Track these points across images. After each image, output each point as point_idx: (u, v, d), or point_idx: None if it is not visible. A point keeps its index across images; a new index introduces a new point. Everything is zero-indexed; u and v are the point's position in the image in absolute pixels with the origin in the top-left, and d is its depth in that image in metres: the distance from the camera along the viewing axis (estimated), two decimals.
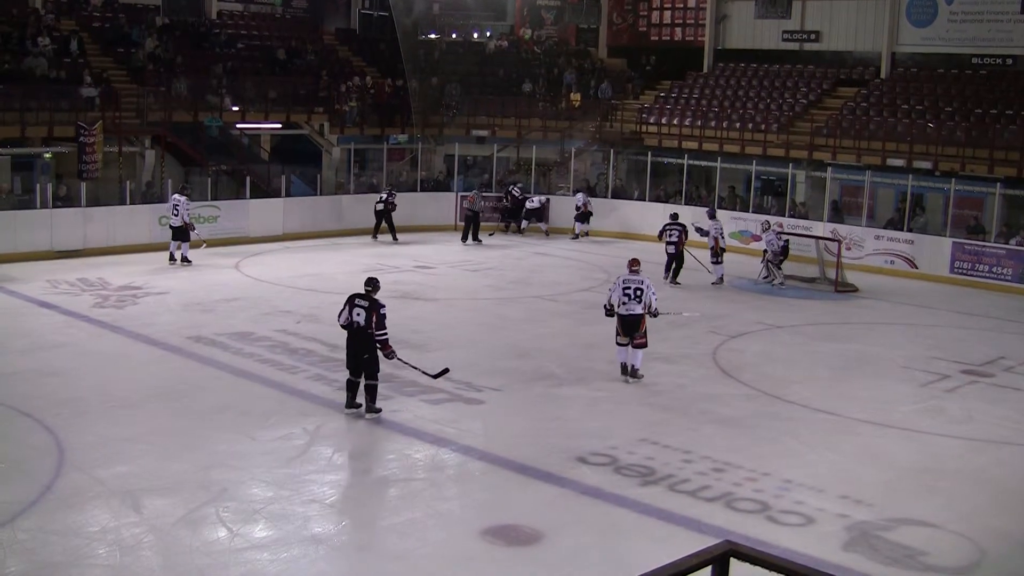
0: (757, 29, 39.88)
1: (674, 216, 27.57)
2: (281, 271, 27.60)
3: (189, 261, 28.18)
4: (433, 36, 43.91)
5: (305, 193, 35.33)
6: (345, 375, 15.95)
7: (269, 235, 32.20)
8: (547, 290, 25.99)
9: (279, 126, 36.80)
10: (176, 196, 28.53)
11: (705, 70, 40.66)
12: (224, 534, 11.76)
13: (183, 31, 38.44)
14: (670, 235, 26.78)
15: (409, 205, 33.90)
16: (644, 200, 34.77)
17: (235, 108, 35.16)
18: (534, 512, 12.54)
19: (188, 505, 12.36)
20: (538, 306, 24.33)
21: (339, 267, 28.30)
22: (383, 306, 15.55)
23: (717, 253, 27.05)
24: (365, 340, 15.42)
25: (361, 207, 34.04)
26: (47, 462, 13.47)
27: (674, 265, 26.80)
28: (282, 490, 12.93)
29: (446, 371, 16.28)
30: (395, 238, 32.77)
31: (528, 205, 34.86)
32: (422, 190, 35.85)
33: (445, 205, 35.81)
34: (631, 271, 18.12)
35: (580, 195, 34.38)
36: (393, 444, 14.70)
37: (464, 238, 32.97)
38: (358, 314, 15.42)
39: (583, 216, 34.30)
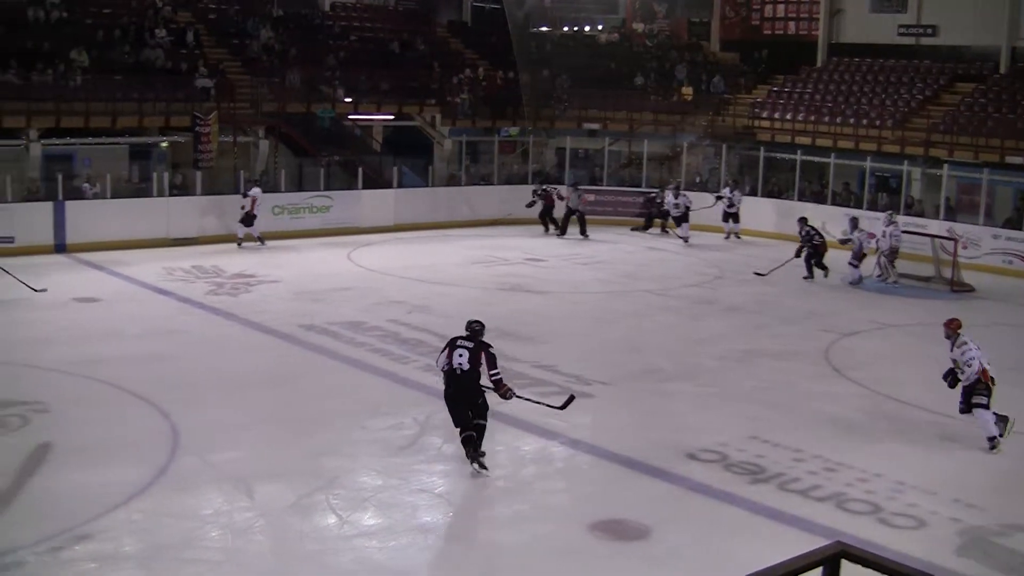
0: (872, 23, 39.26)
1: (803, 220, 26.88)
2: (392, 261, 27.76)
3: (261, 240, 29.06)
4: (545, 29, 43.93)
5: (416, 184, 35.51)
6: None
7: (380, 226, 32.40)
8: (656, 284, 25.84)
9: (391, 118, 37.00)
10: (256, 190, 29.13)
11: (819, 64, 40.09)
12: (334, 521, 11.87)
13: (297, 23, 38.82)
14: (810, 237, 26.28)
15: (522, 198, 33.88)
16: (756, 196, 34.36)
17: (348, 99, 35.41)
18: (642, 507, 12.47)
19: (299, 491, 12.48)
20: (647, 300, 24.20)
21: (449, 258, 28.42)
22: (491, 345, 13.55)
23: (859, 257, 26.42)
24: (470, 385, 13.40)
25: (472, 199, 34.14)
26: (162, 446, 13.69)
27: (813, 262, 26.26)
28: (391, 479, 13.01)
29: (572, 399, 14.48)
30: (560, 232, 32.71)
31: (673, 212, 32.90)
32: (533, 183, 35.79)
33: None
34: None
35: (727, 190, 33.15)
36: (502, 436, 14.70)
37: (562, 231, 32.68)
38: (460, 355, 13.34)
39: (734, 215, 32.97)
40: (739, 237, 32.68)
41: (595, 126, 38.20)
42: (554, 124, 38.49)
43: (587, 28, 44.87)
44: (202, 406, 15.35)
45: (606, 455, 14.19)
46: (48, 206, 28.31)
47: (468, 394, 13.38)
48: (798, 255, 26.35)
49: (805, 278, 26.14)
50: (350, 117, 36.35)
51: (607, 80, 39.54)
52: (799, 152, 34.13)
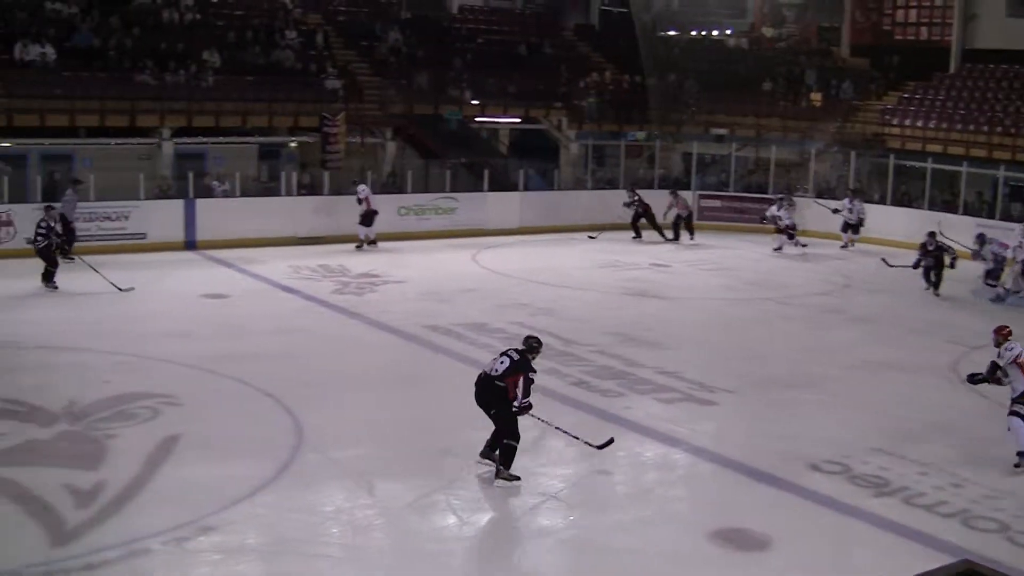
0: (1009, 28, 38.24)
1: (932, 234, 26.08)
2: (517, 264, 27.82)
3: (375, 243, 29.27)
4: (672, 33, 43.68)
5: (542, 188, 35.54)
6: None
7: (506, 228, 32.47)
8: (782, 292, 25.55)
9: (518, 121, 37.07)
10: (362, 187, 29.23)
11: (952, 71, 39.27)
12: (453, 521, 11.91)
13: (425, 25, 39.05)
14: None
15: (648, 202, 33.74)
16: (885, 204, 33.77)
17: (475, 102, 35.55)
18: (763, 517, 12.31)
19: (419, 490, 12.53)
20: (772, 308, 23.94)
21: (575, 262, 28.41)
22: (534, 372, 13.07)
23: (996, 275, 25.58)
24: (490, 389, 13.07)
25: (599, 202, 34.03)
26: (286, 441, 13.85)
27: (932, 275, 25.57)
28: (513, 481, 12.99)
29: (611, 442, 13.79)
30: (666, 238, 32.39)
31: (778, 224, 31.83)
32: (660, 187, 35.54)
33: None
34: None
35: (846, 201, 32.41)
36: (624, 441, 14.62)
37: (676, 237, 32.32)
38: (502, 362, 13.08)
39: (855, 226, 32.13)
40: (853, 245, 31.99)
41: (722, 131, 37.87)
42: (681, 129, 38.24)
43: (715, 32, 44.51)
44: (326, 403, 15.49)
45: (728, 463, 14.04)
46: (179, 204, 28.89)
47: (485, 398, 13.15)
48: (915, 267, 25.77)
49: (926, 289, 25.52)
50: (477, 119, 36.50)
51: (735, 85, 39.14)
52: (930, 160, 33.50)
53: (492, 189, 33.28)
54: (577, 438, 13.79)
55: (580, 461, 13.82)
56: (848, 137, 36.53)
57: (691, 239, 32.34)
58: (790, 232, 30.97)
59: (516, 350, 13.21)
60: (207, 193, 29.75)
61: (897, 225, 31.99)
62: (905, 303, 24.36)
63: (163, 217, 28.35)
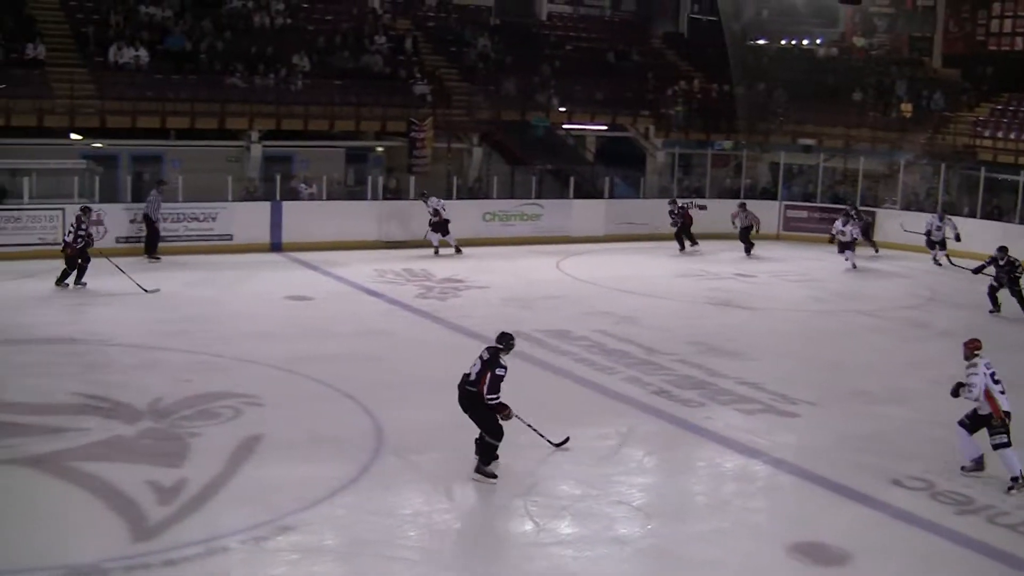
0: None
1: (1004, 248, 25.36)
2: (601, 271, 27.76)
3: (459, 250, 29.27)
4: (762, 42, 43.39)
5: (628, 196, 35.44)
6: None
7: (590, 235, 32.44)
8: (868, 305, 25.25)
9: (605, 128, 37.05)
10: (433, 199, 29.28)
11: None
12: (531, 527, 11.87)
13: (514, 32, 39.16)
14: None
15: (727, 212, 33.52)
16: (975, 217, 33.23)
17: (562, 109, 35.56)
18: (843, 532, 12.12)
19: (498, 496, 12.52)
20: (858, 321, 23.67)
21: (659, 270, 28.33)
22: (501, 368, 13.18)
23: None
24: (468, 395, 13.25)
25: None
26: (367, 443, 13.89)
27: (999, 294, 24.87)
28: (591, 489, 12.94)
29: (566, 440, 14.16)
30: (690, 244, 32.02)
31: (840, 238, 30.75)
32: (746, 197, 35.29)
33: (770, 213, 34.89)
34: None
35: (935, 218, 31.31)
36: (704, 452, 14.53)
37: (748, 251, 31.69)
38: (475, 364, 13.33)
39: (940, 242, 31.03)
40: (939, 264, 31.07)
41: (810, 142, 37.55)
42: (768, 139, 37.98)
43: (805, 41, 44.16)
44: (407, 407, 15.51)
45: (809, 476, 13.87)
46: (266, 206, 29.16)
47: (464, 402, 13.27)
48: (976, 272, 25.23)
49: (991, 311, 24.38)
50: (564, 126, 36.53)
51: (824, 95, 38.77)
52: (1022, 173, 32.94)
53: (577, 196, 33.27)
54: (541, 435, 14.02)
55: (659, 471, 13.76)
56: (938, 149, 36.01)
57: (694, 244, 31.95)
58: (850, 247, 30.09)
59: (488, 348, 13.37)
60: (293, 196, 30.00)
61: (986, 239, 31.45)
62: (994, 319, 23.94)
63: (250, 219, 28.64)
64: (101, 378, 16.37)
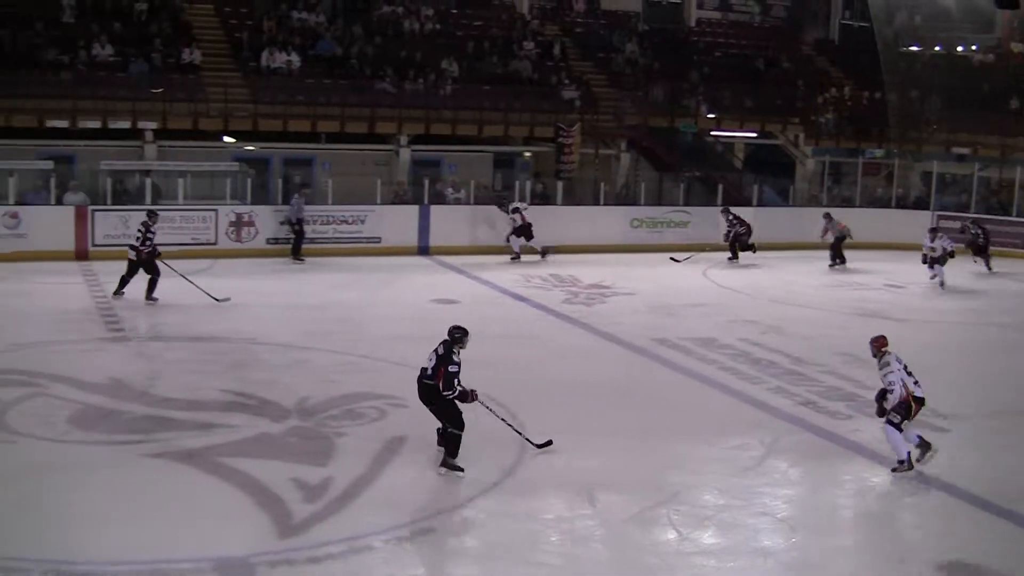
0: None
1: None
2: (748, 280, 27.47)
3: (545, 254, 29.06)
4: (915, 48, 42.51)
5: (776, 204, 35.03)
6: None
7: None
8: (1020, 318, 24.59)
9: (754, 135, 36.68)
10: (512, 204, 29.13)
11: None
12: (673, 536, 11.73)
13: (662, 37, 39.04)
14: None
15: (883, 222, 32.93)
16: None
17: (711, 115, 35.33)
18: (996, 553, 11.68)
19: (641, 504, 12.39)
20: (1010, 336, 23.03)
21: (807, 279, 27.96)
22: (454, 364, 12.99)
23: None
24: (425, 389, 13.19)
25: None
26: (510, 447, 13.85)
27: None
28: (734, 499, 12.77)
29: (549, 443, 13.89)
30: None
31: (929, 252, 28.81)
32: (897, 207, 34.62)
33: (919, 223, 34.08)
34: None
35: None
36: (851, 465, 14.25)
37: (833, 261, 30.38)
38: (430, 359, 13.15)
39: None
40: None
41: (965, 151, 36.67)
42: (921, 147, 37.18)
43: (960, 48, 43.15)
44: (551, 412, 15.45)
45: (959, 493, 13.47)
46: (414, 210, 29.42)
47: (427, 395, 13.20)
48: None
49: None
50: (712, 133, 36.28)
51: (980, 102, 37.82)
52: None
53: (726, 203, 32.93)
54: (520, 433, 13.92)
55: (804, 483, 13.53)
56: None
57: (753, 252, 30.55)
58: (939, 261, 28.24)
59: (443, 343, 13.18)
60: (441, 200, 30.20)
61: None
62: None
63: (398, 222, 28.91)
64: (249, 376, 16.64)
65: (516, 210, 28.84)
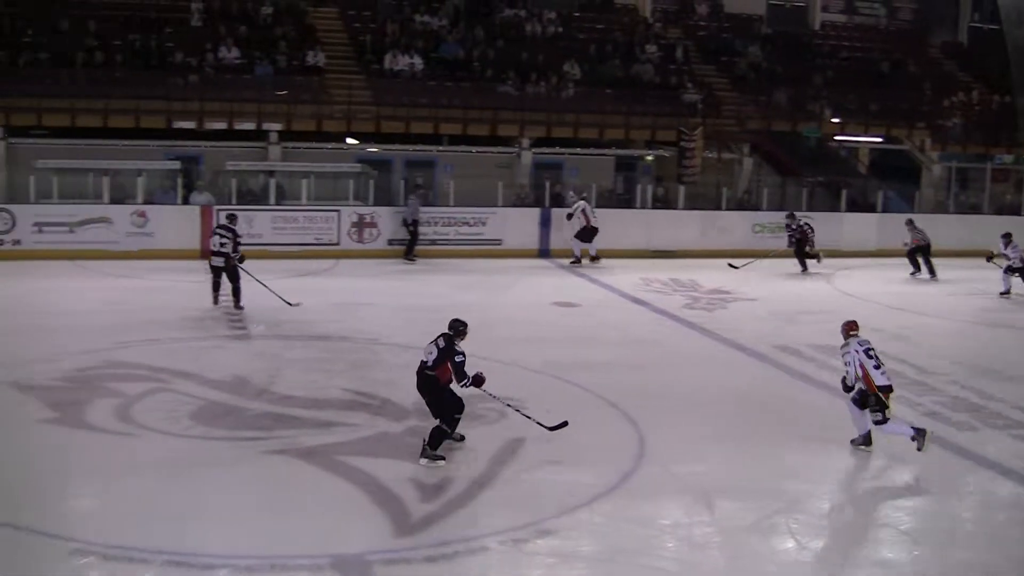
0: None
1: None
2: (872, 287, 27.04)
3: (597, 259, 28.52)
4: None
5: (902, 210, 34.42)
6: None
7: (861, 250, 31.63)
8: None
9: (879, 140, 36.17)
10: (581, 202, 28.80)
11: None
12: (792, 545, 11.60)
13: (785, 41, 38.67)
14: None
15: (1014, 230, 32.12)
16: None
17: (835, 120, 34.90)
18: None
19: (759, 511, 12.27)
20: None
21: (931, 287, 27.51)
22: (459, 355, 13.27)
23: None
24: (425, 380, 13.40)
25: (961, 227, 32.59)
26: (628, 452, 13.82)
27: None
28: (855, 509, 12.62)
29: (565, 424, 13.97)
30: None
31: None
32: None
33: None
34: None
35: None
36: (975, 477, 13.96)
37: (917, 268, 29.27)
38: (430, 352, 13.40)
39: None
40: None
41: None
42: None
43: None
44: (669, 417, 15.39)
45: None
46: (535, 212, 29.45)
47: (426, 388, 13.42)
48: None
49: None
50: (836, 138, 35.85)
51: None
52: None
53: (849, 209, 32.52)
54: (529, 417, 13.96)
55: (927, 495, 13.30)
56: None
57: (818, 262, 29.30)
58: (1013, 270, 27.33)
59: (443, 335, 13.48)
60: (562, 202, 30.23)
61: None
62: None
63: (519, 225, 28.97)
64: (370, 376, 16.80)
65: (582, 211, 28.62)
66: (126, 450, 13.39)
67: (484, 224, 28.95)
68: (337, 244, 27.89)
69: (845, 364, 14.31)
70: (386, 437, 14.04)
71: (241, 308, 21.14)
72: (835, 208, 32.53)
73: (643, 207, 30.86)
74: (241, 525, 11.23)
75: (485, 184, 29.58)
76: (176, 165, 29.55)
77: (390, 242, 28.02)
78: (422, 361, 13.50)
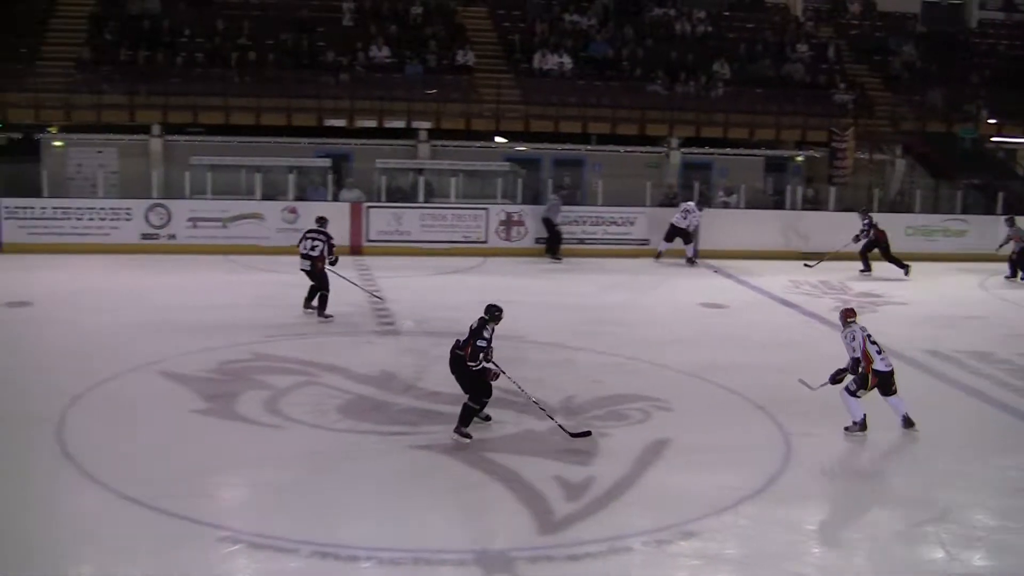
0: None
1: None
2: None
3: (693, 262, 28.12)
4: None
5: None
6: None
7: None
8: None
9: None
10: (689, 204, 28.31)
11: None
12: (941, 555, 11.35)
13: (941, 40, 37.92)
14: None
15: None
16: None
17: (992, 120, 34.10)
18: None
19: (908, 520, 12.06)
20: None
21: None
22: (483, 340, 13.65)
23: None
24: (455, 359, 13.93)
25: None
26: (774, 455, 13.66)
27: None
28: (1009, 521, 12.28)
29: (588, 434, 13.95)
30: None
31: None
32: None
33: None
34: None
35: None
36: None
37: (1012, 273, 28.05)
38: (464, 334, 13.90)
39: None
40: None
41: None
42: None
43: None
44: (818, 421, 15.13)
45: None
46: None
47: (455, 366, 13.96)
48: None
49: None
50: (993, 139, 34.98)
51: None
52: None
53: (1006, 213, 31.69)
54: (552, 418, 14.18)
55: None
56: None
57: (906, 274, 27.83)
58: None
59: (480, 319, 13.93)
60: (710, 203, 30.01)
61: None
62: None
63: (667, 225, 28.77)
64: (516, 373, 16.80)
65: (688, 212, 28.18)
66: (274, 442, 13.66)
67: (632, 224, 28.84)
68: (485, 242, 28.04)
69: (850, 346, 14.73)
70: (531, 435, 14.08)
71: (328, 317, 20.01)
72: (991, 212, 31.73)
73: (793, 208, 30.48)
74: (386, 519, 11.36)
75: (633, 184, 29.47)
76: (327, 163, 30.02)
77: (537, 240, 28.06)
78: (456, 340, 14.00)
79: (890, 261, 27.70)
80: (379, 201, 28.34)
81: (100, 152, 30.30)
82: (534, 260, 27.40)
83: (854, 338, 14.66)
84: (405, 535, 10.93)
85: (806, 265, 27.65)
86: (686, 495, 12.27)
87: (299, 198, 28.49)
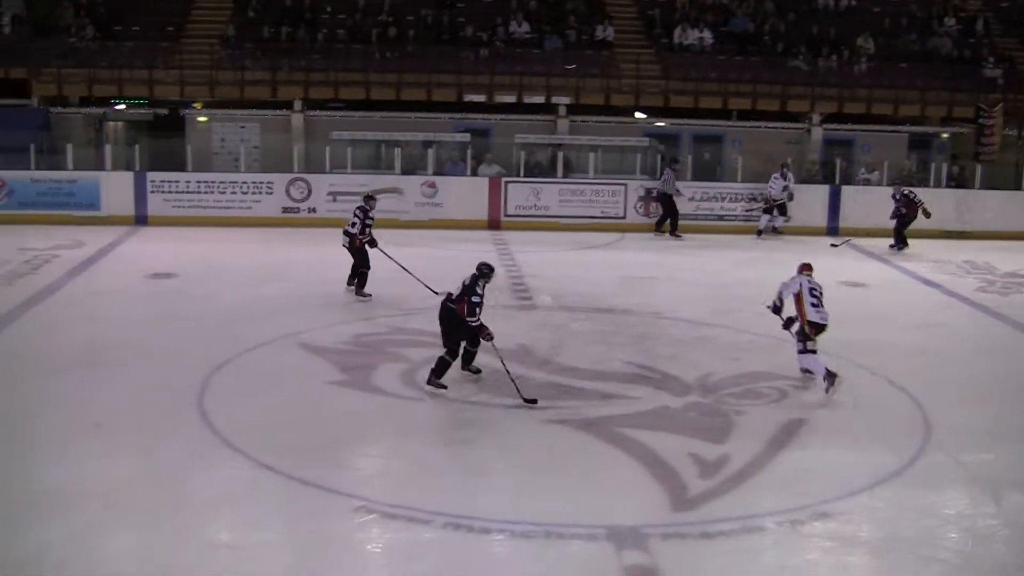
0: None
1: None
2: None
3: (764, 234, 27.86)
4: None
5: None
6: None
7: None
8: None
9: None
10: (776, 176, 27.85)
11: None
12: None
13: None
14: None
15: None
16: None
17: None
18: None
19: None
20: None
21: None
22: (477, 296, 14.15)
23: None
24: (446, 311, 14.49)
25: None
26: (913, 438, 13.45)
27: None
28: None
29: (535, 401, 14.07)
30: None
31: None
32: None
33: None
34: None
35: None
36: None
37: None
38: (457, 288, 14.47)
39: None
40: None
41: None
42: None
43: None
44: (959, 403, 14.91)
45: None
46: (824, 189, 28.93)
47: (445, 318, 14.51)
48: None
49: None
50: None
51: None
52: None
53: None
54: (514, 382, 14.26)
55: None
56: None
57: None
58: None
59: (472, 275, 14.37)
60: (851, 180, 29.57)
61: None
62: None
63: (807, 201, 28.44)
64: (653, 350, 16.85)
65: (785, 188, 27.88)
66: (411, 413, 13.87)
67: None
68: (623, 218, 27.99)
69: (786, 288, 15.39)
70: (666, 411, 14.08)
71: (367, 296, 19.79)
72: None
73: (938, 186, 29.87)
74: (520, 492, 11.47)
75: (774, 160, 29.12)
76: (466, 138, 30.22)
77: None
78: (448, 293, 14.56)
79: (896, 233, 26.99)
80: (517, 176, 28.45)
81: (243, 127, 30.89)
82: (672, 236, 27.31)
83: (793, 284, 15.32)
84: (538, 509, 11.00)
85: (832, 245, 26.96)
86: (821, 476, 12.18)
87: (438, 173, 28.71)
